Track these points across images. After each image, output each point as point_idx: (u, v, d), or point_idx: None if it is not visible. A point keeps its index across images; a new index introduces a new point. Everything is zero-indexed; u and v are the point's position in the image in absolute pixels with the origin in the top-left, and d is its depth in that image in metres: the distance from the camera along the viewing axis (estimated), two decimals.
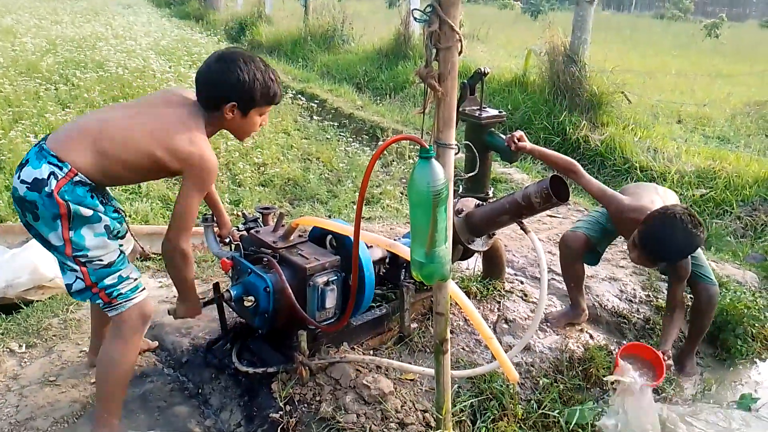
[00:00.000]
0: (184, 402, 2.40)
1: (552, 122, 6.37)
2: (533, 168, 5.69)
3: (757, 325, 3.18)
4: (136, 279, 2.05)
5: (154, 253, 3.47)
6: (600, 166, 5.85)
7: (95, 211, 1.91)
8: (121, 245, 2.09)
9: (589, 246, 2.95)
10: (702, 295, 2.89)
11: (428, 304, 2.80)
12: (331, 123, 6.77)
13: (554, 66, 6.71)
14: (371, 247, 2.58)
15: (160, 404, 2.37)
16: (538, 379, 2.59)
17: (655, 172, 5.45)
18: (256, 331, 2.50)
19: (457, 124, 1.72)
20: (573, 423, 2.36)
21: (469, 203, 2.65)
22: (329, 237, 2.51)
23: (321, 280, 2.29)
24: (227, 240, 2.57)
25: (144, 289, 2.09)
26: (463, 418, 2.26)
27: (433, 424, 2.12)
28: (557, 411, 2.40)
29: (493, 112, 2.83)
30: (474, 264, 3.24)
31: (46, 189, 1.83)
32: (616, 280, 3.46)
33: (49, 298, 3.04)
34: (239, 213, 3.90)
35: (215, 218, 2.54)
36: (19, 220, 2.04)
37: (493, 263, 3.11)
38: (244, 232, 2.56)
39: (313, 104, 7.33)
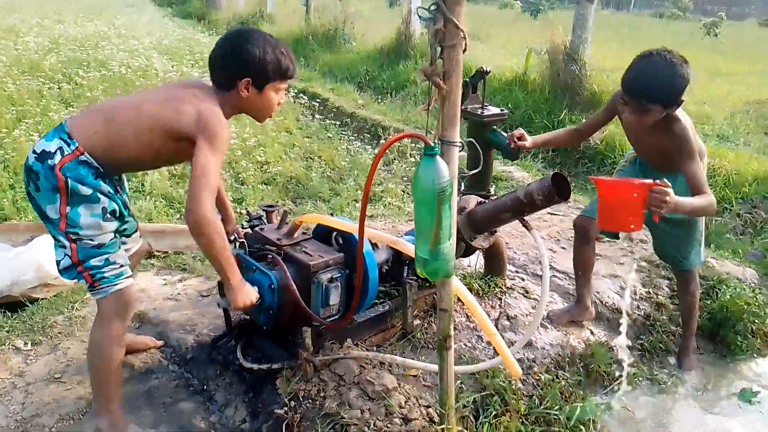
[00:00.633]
0: (189, 398, 2.41)
1: (552, 121, 6.38)
2: (533, 166, 5.71)
3: (757, 321, 3.21)
4: (122, 266, 2.04)
5: (158, 251, 3.49)
6: (600, 164, 5.86)
7: (95, 190, 1.93)
8: (124, 242, 2.13)
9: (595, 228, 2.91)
10: (690, 281, 2.95)
11: (431, 301, 2.82)
12: (333, 122, 6.78)
13: (554, 65, 6.72)
14: (377, 249, 2.60)
15: (165, 400, 2.39)
16: (540, 375, 2.61)
17: None
18: (261, 328, 2.52)
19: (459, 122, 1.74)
20: (574, 419, 2.38)
21: (471, 201, 2.67)
22: (335, 234, 2.53)
23: (325, 277, 2.31)
24: (232, 237, 2.59)
25: (130, 276, 2.08)
26: (466, 413, 2.28)
27: (436, 419, 2.14)
28: (558, 407, 2.42)
29: (495, 110, 2.85)
30: (475, 261, 3.26)
31: (49, 162, 1.88)
32: (617, 276, 3.47)
33: (54, 295, 3.06)
34: (242, 211, 3.93)
35: (221, 213, 2.56)
36: (23, 218, 2.07)
37: (495, 260, 3.13)
38: (249, 230, 2.58)
39: (315, 103, 7.35)
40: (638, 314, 3.22)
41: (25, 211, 3.89)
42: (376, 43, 10.12)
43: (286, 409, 2.20)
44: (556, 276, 3.42)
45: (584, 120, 2.96)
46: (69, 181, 1.88)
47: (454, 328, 2.71)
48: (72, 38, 9.52)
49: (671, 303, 3.34)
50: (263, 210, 2.69)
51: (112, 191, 2.00)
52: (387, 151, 5.56)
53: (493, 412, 2.32)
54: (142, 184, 4.44)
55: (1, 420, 2.23)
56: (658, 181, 2.01)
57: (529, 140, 2.79)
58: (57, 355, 2.60)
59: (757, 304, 3.23)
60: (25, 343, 2.67)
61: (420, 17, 1.60)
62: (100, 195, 1.94)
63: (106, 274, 2.00)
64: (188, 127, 1.93)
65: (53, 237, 2.01)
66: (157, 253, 3.47)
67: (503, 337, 2.74)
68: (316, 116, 6.91)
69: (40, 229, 3.26)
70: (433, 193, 1.58)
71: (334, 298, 2.35)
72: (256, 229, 2.55)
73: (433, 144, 1.59)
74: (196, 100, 1.97)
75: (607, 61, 7.18)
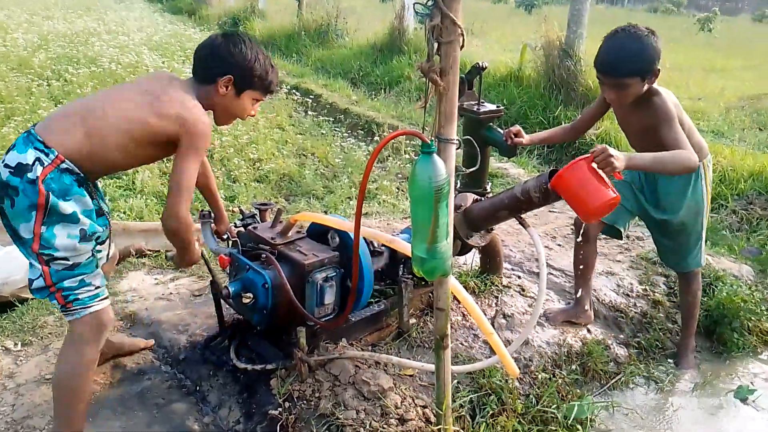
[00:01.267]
0: (182, 399, 2.38)
1: (547, 117, 6.36)
2: (529, 163, 5.69)
3: (753, 318, 3.20)
4: (98, 287, 1.96)
5: (150, 250, 3.45)
6: None
7: (81, 208, 1.86)
8: (99, 250, 2.02)
9: (606, 230, 2.93)
10: (691, 281, 2.94)
11: (426, 300, 2.80)
12: (326, 118, 6.74)
13: (549, 60, 6.70)
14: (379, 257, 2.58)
15: (158, 401, 2.36)
16: (537, 373, 2.59)
17: None
18: (255, 328, 2.49)
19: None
20: (572, 418, 2.37)
21: (468, 199, 2.65)
22: (330, 233, 2.49)
23: (320, 276, 2.28)
24: (225, 236, 2.55)
25: (106, 298, 2.00)
26: (463, 413, 2.26)
27: (432, 419, 2.12)
28: (555, 406, 2.41)
29: (491, 106, 2.82)
30: (471, 259, 3.23)
31: (29, 175, 1.78)
32: (613, 274, 3.46)
33: None
34: (235, 209, 3.89)
35: (213, 214, 2.52)
36: None
37: (491, 258, 3.11)
38: (242, 229, 2.55)
39: (307, 99, 7.30)
40: (635, 312, 3.20)
41: None
42: (369, 39, 10.08)
43: (280, 409, 2.18)
44: (552, 274, 3.41)
45: (579, 115, 2.93)
46: (50, 197, 1.79)
47: (451, 327, 2.69)
48: (61, 34, 9.42)
49: (668, 300, 3.33)
50: (256, 208, 2.65)
51: (93, 198, 1.94)
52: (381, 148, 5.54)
53: (490, 412, 2.30)
54: (133, 182, 4.39)
55: None
56: (594, 149, 2.09)
57: (525, 137, 2.76)
58: (47, 355, 2.56)
59: (753, 301, 3.23)
60: (15, 344, 2.63)
61: (416, 13, 1.57)
62: (80, 216, 1.86)
63: (80, 296, 1.91)
64: (173, 131, 1.91)
65: (27, 258, 1.91)
66: (148, 252, 3.43)
67: (500, 336, 2.72)
68: (309, 113, 6.87)
69: None
70: (430, 192, 1.56)
71: (329, 298, 2.33)
72: (250, 227, 2.52)
73: (429, 142, 1.56)
74: (178, 100, 1.93)
75: None
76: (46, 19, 11.54)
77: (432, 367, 2.07)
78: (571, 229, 4.11)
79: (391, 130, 6.05)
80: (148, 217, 3.94)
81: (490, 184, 3.01)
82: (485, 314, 2.88)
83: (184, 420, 2.28)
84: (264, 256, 2.30)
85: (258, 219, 2.63)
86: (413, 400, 2.22)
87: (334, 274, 2.33)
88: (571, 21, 6.50)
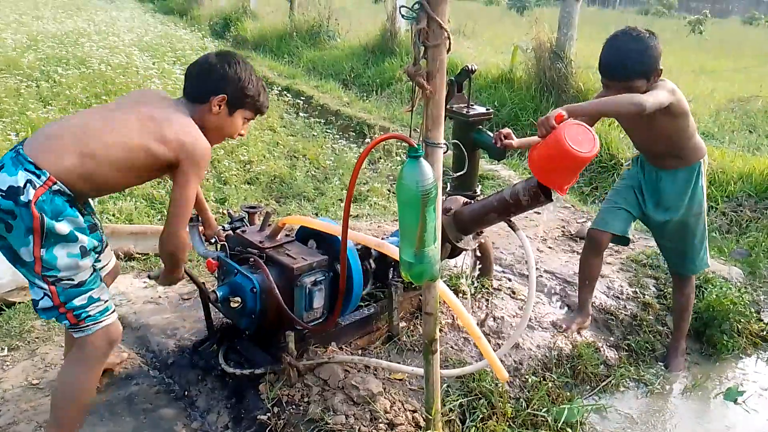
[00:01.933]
0: (170, 404, 2.36)
1: (538, 118, 6.36)
2: (520, 164, 5.69)
3: (742, 320, 3.21)
4: (106, 301, 1.96)
5: (139, 253, 3.42)
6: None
7: (73, 229, 1.82)
8: (99, 260, 2.02)
9: (616, 239, 2.95)
10: (686, 284, 2.98)
11: (416, 303, 2.79)
12: (318, 120, 6.73)
13: (541, 62, 6.71)
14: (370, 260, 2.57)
15: (145, 407, 2.34)
16: (527, 377, 2.59)
17: None
18: (243, 332, 2.47)
19: (444, 121, 1.71)
20: (562, 421, 2.37)
21: (458, 201, 2.64)
22: (310, 241, 2.49)
23: (308, 280, 2.27)
24: (213, 240, 2.54)
25: (114, 311, 1.99)
26: (453, 417, 2.25)
27: (422, 424, 2.11)
28: (545, 409, 2.40)
29: (481, 109, 2.82)
30: (462, 262, 3.23)
31: (22, 198, 1.74)
32: (604, 276, 3.46)
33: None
34: (225, 212, 3.87)
35: (200, 218, 2.50)
36: None
37: (482, 261, 3.11)
38: (230, 232, 2.53)
39: (299, 101, 7.29)
40: (625, 314, 3.20)
41: None
42: (361, 40, 10.07)
43: (269, 414, 2.17)
44: (542, 276, 3.40)
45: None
46: (45, 219, 1.75)
47: (441, 330, 2.68)
48: (51, 35, 9.36)
49: (658, 303, 3.33)
50: (245, 211, 2.63)
51: (83, 214, 1.91)
52: (372, 150, 5.53)
53: (480, 416, 2.30)
54: None
55: None
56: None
57: (515, 140, 2.76)
58: (34, 360, 2.54)
59: (743, 303, 3.23)
60: (2, 349, 2.61)
61: (403, 16, 1.56)
62: (78, 234, 1.83)
63: (91, 313, 1.90)
64: (174, 157, 1.91)
65: (27, 279, 1.89)
66: (137, 255, 3.40)
67: (490, 339, 2.72)
68: (300, 114, 6.85)
69: None
70: (417, 196, 1.55)
71: (318, 302, 2.32)
72: (238, 231, 2.50)
73: (416, 145, 1.55)
74: (176, 121, 1.94)
75: (593, 58, 7.16)
76: (35, 20, 11.48)
77: (422, 371, 2.06)
78: (561, 231, 4.12)
79: (382, 132, 6.04)
80: (138, 219, 3.92)
81: (480, 186, 3.00)
82: (475, 317, 2.88)
83: (173, 425, 2.26)
84: (252, 259, 2.29)
85: (246, 222, 2.61)
86: (403, 404, 2.21)
87: (323, 277, 2.32)
88: (561, 23, 6.51)
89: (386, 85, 8.41)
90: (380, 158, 5.62)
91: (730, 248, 4.14)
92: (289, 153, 5.57)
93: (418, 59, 1.59)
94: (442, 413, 2.12)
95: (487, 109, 2.83)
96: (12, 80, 6.49)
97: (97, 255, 1.98)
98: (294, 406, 2.18)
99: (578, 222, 4.27)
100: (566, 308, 3.15)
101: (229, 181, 4.71)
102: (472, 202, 2.66)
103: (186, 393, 2.41)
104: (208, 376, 2.45)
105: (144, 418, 2.29)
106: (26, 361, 2.53)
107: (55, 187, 1.79)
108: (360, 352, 2.52)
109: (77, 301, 1.87)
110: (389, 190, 4.88)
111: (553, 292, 3.27)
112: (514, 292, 3.13)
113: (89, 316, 1.90)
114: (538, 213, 4.31)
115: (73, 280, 1.85)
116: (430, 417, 2.03)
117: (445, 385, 2.37)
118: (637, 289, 3.40)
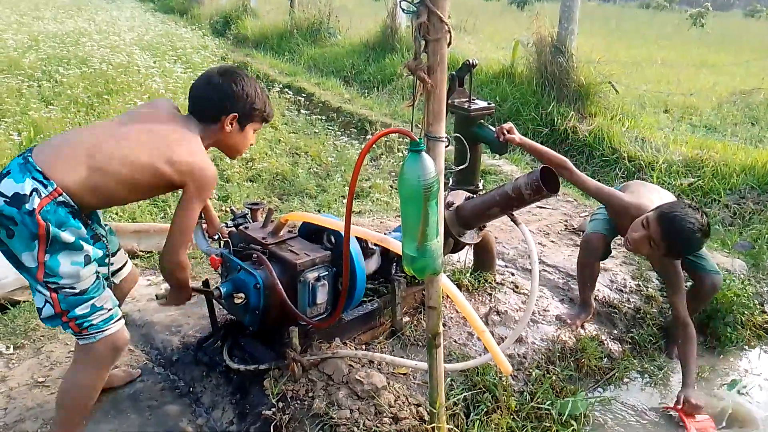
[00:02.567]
0: (175, 401, 2.37)
1: (540, 113, 6.36)
2: (522, 159, 5.69)
3: (746, 312, 3.21)
4: (110, 309, 1.94)
5: (142, 251, 3.43)
6: (588, 156, 5.85)
7: (78, 237, 1.82)
8: (111, 263, 2.06)
9: (607, 244, 3.03)
10: (705, 282, 2.99)
11: (420, 298, 2.80)
12: (319, 117, 6.73)
13: (542, 57, 6.69)
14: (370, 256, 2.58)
15: (150, 403, 2.35)
16: (531, 370, 2.60)
17: (643, 162, 5.46)
18: (247, 328, 2.48)
19: (446, 116, 1.71)
20: (566, 414, 2.37)
21: (460, 196, 2.64)
22: (327, 233, 2.48)
23: (312, 275, 2.27)
24: (216, 237, 2.54)
25: (120, 318, 1.99)
26: (457, 411, 2.26)
27: (426, 417, 2.11)
28: (549, 402, 2.41)
29: (482, 103, 2.82)
30: (465, 256, 3.23)
31: (27, 206, 1.73)
32: (607, 270, 3.46)
33: None
34: (227, 209, 3.88)
35: (203, 215, 2.51)
36: None
37: (484, 255, 3.11)
38: (233, 229, 2.54)
39: (300, 98, 7.29)
40: (628, 307, 3.20)
41: None
42: (362, 36, 10.05)
43: (274, 410, 2.17)
44: (545, 270, 3.41)
45: (587, 173, 2.97)
46: (50, 227, 1.75)
47: (444, 324, 2.69)
48: (52, 35, 9.36)
49: (661, 296, 3.33)
50: (248, 208, 2.64)
51: (86, 225, 1.90)
52: (374, 145, 5.53)
53: (484, 409, 2.30)
54: None
55: None
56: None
57: (517, 135, 2.75)
58: (40, 358, 2.55)
59: (746, 295, 3.24)
60: (7, 347, 2.62)
61: (403, 10, 1.56)
62: (83, 243, 1.84)
63: (94, 321, 1.90)
64: (180, 180, 1.92)
65: (30, 285, 1.89)
66: (141, 253, 3.41)
67: (493, 333, 2.72)
68: (302, 111, 6.85)
69: None
70: (418, 190, 1.55)
71: (321, 297, 2.32)
72: (241, 227, 2.51)
73: (418, 140, 1.55)
74: (185, 144, 1.95)
75: (594, 52, 7.17)
76: (36, 20, 11.47)
77: (425, 365, 2.07)
78: (564, 225, 4.12)
79: (383, 128, 6.04)
80: (141, 218, 3.93)
81: (482, 181, 3.01)
82: (478, 312, 2.88)
83: (178, 422, 2.27)
84: (255, 256, 2.30)
85: (249, 219, 2.62)
86: (407, 398, 2.22)
87: (326, 273, 2.32)
88: (562, 17, 6.49)
89: (387, 82, 8.40)
90: (382, 154, 5.62)
91: (733, 241, 4.14)
92: (291, 150, 5.58)
93: (419, 53, 1.58)
94: (446, 407, 2.13)
95: (488, 104, 2.83)
96: (14, 80, 6.49)
97: (105, 257, 2.01)
98: (298, 401, 2.18)
99: (581, 216, 4.27)
100: (569, 302, 3.15)
101: (232, 178, 4.71)
102: (474, 197, 2.66)
103: (191, 389, 2.42)
104: (213, 372, 2.46)
105: (149, 414, 2.30)
106: (32, 359, 2.54)
107: (60, 199, 1.78)
108: (364, 347, 2.53)
109: (79, 310, 1.87)
110: (391, 187, 4.88)
111: (556, 286, 3.27)
112: (517, 287, 3.13)
113: (92, 324, 1.90)
114: (542, 207, 4.32)
115: (74, 288, 1.85)
116: (434, 411, 2.03)
117: (449, 379, 2.38)
118: (640, 282, 3.41)
